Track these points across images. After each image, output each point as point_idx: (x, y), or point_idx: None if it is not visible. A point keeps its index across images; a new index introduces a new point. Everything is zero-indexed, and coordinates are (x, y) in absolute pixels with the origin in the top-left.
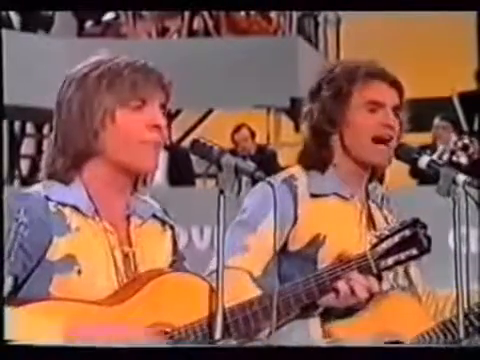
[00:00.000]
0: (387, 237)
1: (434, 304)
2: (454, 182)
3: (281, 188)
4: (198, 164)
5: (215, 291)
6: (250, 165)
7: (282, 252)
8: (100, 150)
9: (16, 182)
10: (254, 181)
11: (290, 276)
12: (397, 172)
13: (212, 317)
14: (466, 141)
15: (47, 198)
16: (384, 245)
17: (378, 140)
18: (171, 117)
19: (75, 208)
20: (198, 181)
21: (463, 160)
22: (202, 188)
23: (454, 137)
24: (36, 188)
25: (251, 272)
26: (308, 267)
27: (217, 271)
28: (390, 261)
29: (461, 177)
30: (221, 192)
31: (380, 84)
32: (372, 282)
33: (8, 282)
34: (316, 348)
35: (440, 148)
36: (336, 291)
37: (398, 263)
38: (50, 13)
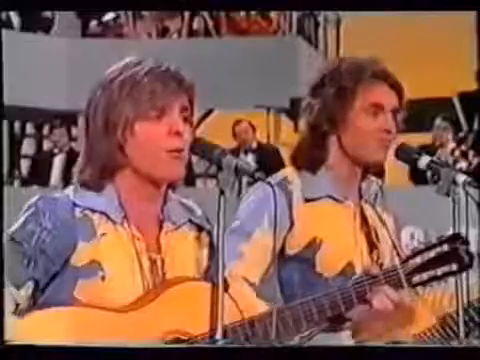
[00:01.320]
0: (421, 251)
1: (432, 295)
2: (454, 182)
3: (276, 192)
4: (198, 164)
5: (215, 290)
6: (250, 165)
7: (280, 257)
8: (126, 162)
9: (16, 182)
10: (254, 181)
11: (289, 280)
12: (397, 172)
13: (214, 318)
14: (464, 148)
15: (74, 204)
16: (418, 259)
17: (377, 142)
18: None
19: (104, 214)
20: (198, 181)
21: (463, 166)
22: (202, 188)
23: (453, 143)
24: (66, 192)
25: (247, 278)
26: (307, 270)
27: (218, 270)
28: (425, 276)
29: (461, 177)
30: (221, 192)
31: (382, 86)
32: (402, 296)
33: (29, 286)
34: (316, 347)
35: (439, 154)
36: (365, 304)
37: (433, 279)
38: (50, 14)
